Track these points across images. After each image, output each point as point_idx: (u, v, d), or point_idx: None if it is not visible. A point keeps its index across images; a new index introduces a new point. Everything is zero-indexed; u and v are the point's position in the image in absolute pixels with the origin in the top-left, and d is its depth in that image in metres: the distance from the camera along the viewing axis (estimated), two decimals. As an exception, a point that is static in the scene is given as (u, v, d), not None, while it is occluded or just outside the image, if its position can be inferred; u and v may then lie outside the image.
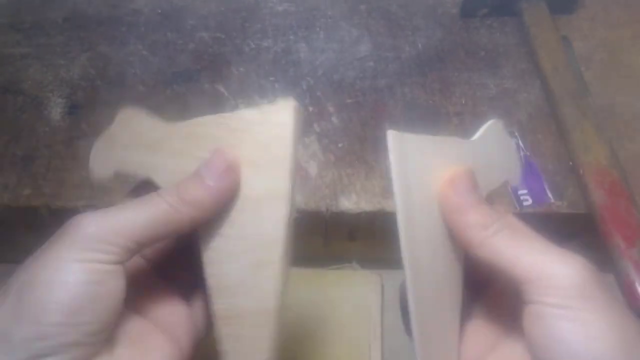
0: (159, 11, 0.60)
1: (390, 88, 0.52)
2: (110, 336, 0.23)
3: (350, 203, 0.45)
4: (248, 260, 0.24)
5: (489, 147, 0.28)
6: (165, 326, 0.26)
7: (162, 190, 0.24)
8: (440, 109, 0.50)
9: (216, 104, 0.51)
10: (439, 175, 0.25)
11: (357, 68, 0.54)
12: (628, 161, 0.46)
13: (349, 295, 0.49)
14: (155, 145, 0.25)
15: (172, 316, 0.26)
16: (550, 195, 0.45)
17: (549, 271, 0.21)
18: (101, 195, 0.45)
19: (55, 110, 0.52)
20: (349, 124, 0.50)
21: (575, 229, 0.45)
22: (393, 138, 0.23)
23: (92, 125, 0.50)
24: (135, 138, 0.25)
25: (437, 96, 0.51)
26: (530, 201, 0.44)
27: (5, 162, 0.48)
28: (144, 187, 0.26)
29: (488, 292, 0.27)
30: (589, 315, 0.21)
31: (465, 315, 0.26)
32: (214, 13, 0.59)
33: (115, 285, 0.23)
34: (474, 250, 0.23)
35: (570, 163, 0.46)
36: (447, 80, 0.53)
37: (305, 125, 0.50)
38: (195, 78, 0.53)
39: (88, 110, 0.51)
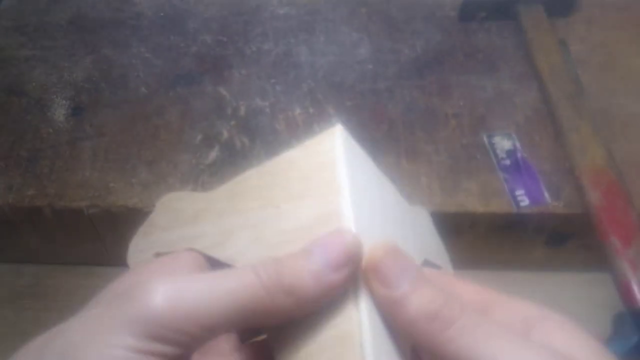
0: (162, 14, 0.60)
1: (389, 90, 0.53)
2: None
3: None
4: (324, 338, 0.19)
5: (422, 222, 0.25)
6: None
7: (259, 267, 0.18)
8: (439, 111, 0.51)
9: (218, 106, 0.52)
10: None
11: (356, 71, 0.55)
12: (624, 162, 0.46)
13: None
14: (197, 216, 0.22)
15: None
16: (547, 195, 0.45)
17: None
18: (105, 195, 0.46)
19: (59, 112, 0.52)
20: (349, 126, 0.50)
21: (571, 229, 0.46)
22: (341, 135, 0.20)
23: (96, 126, 0.51)
24: (176, 217, 0.23)
25: (435, 98, 0.52)
26: (527, 201, 0.45)
27: (9, 162, 0.48)
28: None
29: None
30: None
31: None
32: (216, 16, 0.60)
33: None
34: (426, 350, 0.18)
35: (567, 164, 0.47)
36: (445, 82, 0.53)
37: (306, 126, 0.50)
38: (197, 80, 0.54)
39: (92, 112, 0.52)
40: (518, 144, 0.48)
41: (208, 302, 0.17)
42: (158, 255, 0.22)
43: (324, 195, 0.20)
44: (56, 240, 0.49)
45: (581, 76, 0.53)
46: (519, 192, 0.45)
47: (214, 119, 0.51)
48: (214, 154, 0.48)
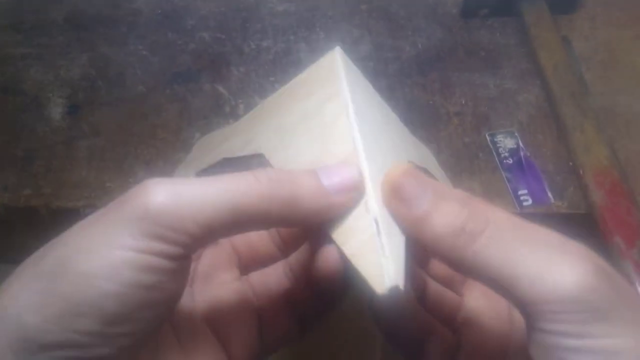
0: (159, 11, 0.60)
1: (390, 88, 0.52)
2: (153, 342, 0.19)
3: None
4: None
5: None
6: (223, 336, 0.21)
7: (260, 172, 0.18)
8: (441, 109, 0.50)
9: (216, 104, 0.51)
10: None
11: (357, 68, 0.54)
12: (628, 161, 0.46)
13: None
14: (225, 139, 0.26)
15: (237, 330, 0.22)
16: (550, 195, 0.44)
17: (556, 287, 0.16)
18: (101, 195, 0.45)
19: (56, 111, 0.52)
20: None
21: (575, 229, 0.45)
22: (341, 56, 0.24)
23: (92, 125, 0.50)
24: (209, 146, 0.27)
25: (437, 96, 0.51)
26: (530, 201, 0.44)
27: (5, 162, 0.48)
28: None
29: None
30: (613, 342, 0.16)
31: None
32: (214, 13, 0.59)
33: (174, 289, 0.17)
34: (454, 265, 0.18)
35: (571, 163, 0.46)
36: (447, 80, 0.53)
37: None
38: (195, 78, 0.54)
39: (88, 110, 0.51)
40: (521, 143, 0.47)
41: (204, 200, 0.17)
42: (198, 174, 0.25)
43: (327, 85, 0.23)
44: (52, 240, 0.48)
45: (585, 74, 0.52)
46: (522, 192, 0.44)
47: (212, 117, 0.50)
48: (212, 153, 0.48)
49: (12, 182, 0.46)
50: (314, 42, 0.57)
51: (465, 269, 0.18)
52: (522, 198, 0.44)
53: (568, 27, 0.56)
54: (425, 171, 0.28)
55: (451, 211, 0.18)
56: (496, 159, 0.47)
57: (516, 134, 0.48)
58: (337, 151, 0.21)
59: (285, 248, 0.25)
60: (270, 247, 0.25)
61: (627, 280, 0.18)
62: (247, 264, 0.25)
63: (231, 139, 0.26)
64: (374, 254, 0.18)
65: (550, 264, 0.16)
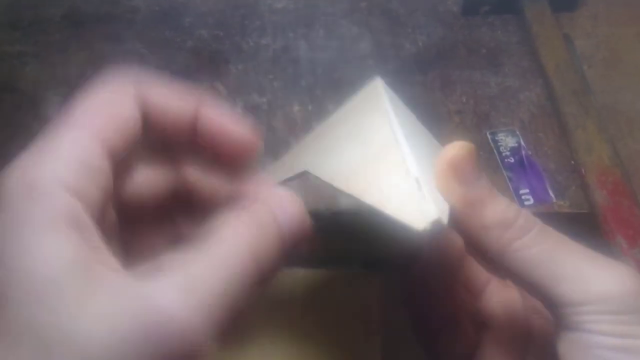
0: (157, 8, 0.59)
1: (390, 86, 0.52)
2: None
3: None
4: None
5: None
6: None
7: None
8: (441, 107, 0.50)
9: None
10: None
11: (357, 66, 0.54)
12: (631, 160, 0.45)
13: (349, 296, 0.48)
14: (289, 161, 0.28)
15: None
16: (552, 194, 0.44)
17: (600, 289, 0.17)
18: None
19: (52, 109, 0.51)
20: (349, 123, 0.49)
21: (577, 228, 0.44)
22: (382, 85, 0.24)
23: (90, 123, 0.50)
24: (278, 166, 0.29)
25: (437, 94, 0.51)
26: (531, 201, 0.44)
27: (0, 161, 0.47)
28: None
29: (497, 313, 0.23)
30: None
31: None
32: (213, 10, 0.59)
33: None
34: (495, 257, 0.18)
35: (572, 162, 0.46)
36: (448, 78, 0.52)
37: (305, 123, 0.49)
38: (193, 76, 0.53)
39: (85, 108, 0.51)
40: (522, 142, 0.47)
41: None
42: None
43: (370, 113, 0.23)
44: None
45: (586, 72, 0.52)
46: (524, 191, 0.44)
47: (211, 116, 0.50)
48: (210, 152, 0.47)
49: (8, 181, 0.46)
50: (313, 40, 0.56)
51: (504, 263, 0.18)
52: (523, 197, 0.44)
53: (570, 25, 0.56)
54: None
55: (504, 203, 0.18)
56: (497, 157, 0.46)
57: (517, 132, 0.48)
58: (377, 144, 0.21)
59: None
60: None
61: None
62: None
63: (289, 161, 0.28)
64: (415, 204, 0.17)
65: (593, 268, 0.18)
